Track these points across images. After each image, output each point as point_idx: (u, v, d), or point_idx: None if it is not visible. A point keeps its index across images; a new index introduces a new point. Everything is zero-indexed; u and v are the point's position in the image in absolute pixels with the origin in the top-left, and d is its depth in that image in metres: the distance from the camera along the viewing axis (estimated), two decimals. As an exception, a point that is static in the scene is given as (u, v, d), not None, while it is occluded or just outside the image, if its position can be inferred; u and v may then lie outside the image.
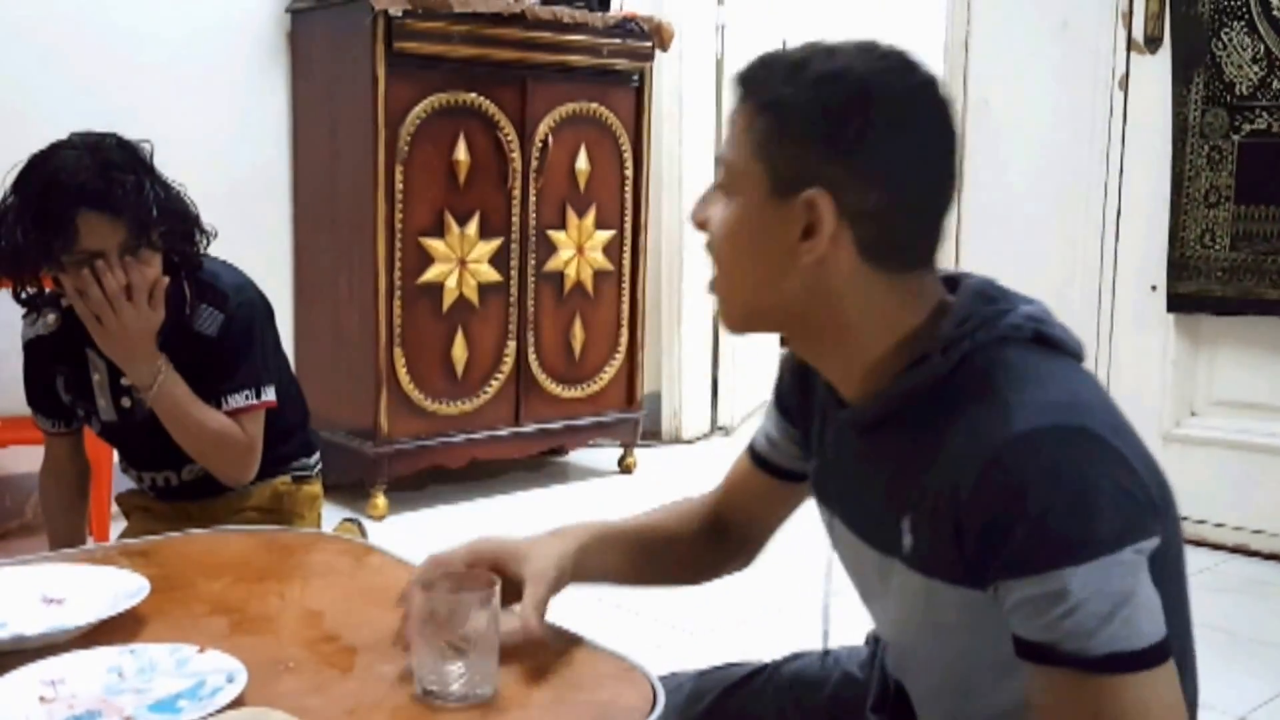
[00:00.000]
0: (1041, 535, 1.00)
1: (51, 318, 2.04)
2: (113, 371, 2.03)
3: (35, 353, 2.09)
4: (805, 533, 1.57)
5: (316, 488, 2.27)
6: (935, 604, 1.12)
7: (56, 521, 2.22)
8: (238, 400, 2.01)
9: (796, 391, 1.36)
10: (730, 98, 1.17)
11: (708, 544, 1.48)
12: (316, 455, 2.31)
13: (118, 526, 2.29)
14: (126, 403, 2.06)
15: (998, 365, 1.09)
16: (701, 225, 1.19)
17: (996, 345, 1.10)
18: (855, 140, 1.08)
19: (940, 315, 1.14)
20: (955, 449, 1.05)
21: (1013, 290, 1.17)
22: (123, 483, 2.33)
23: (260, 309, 2.11)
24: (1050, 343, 1.13)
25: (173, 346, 1.97)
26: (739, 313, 1.20)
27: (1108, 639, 0.99)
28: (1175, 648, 1.08)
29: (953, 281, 1.18)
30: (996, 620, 1.06)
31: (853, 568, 1.30)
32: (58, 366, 2.08)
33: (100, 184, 1.84)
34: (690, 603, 3.14)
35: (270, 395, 2.06)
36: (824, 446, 1.29)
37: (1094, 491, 1.00)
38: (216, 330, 2.00)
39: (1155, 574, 1.04)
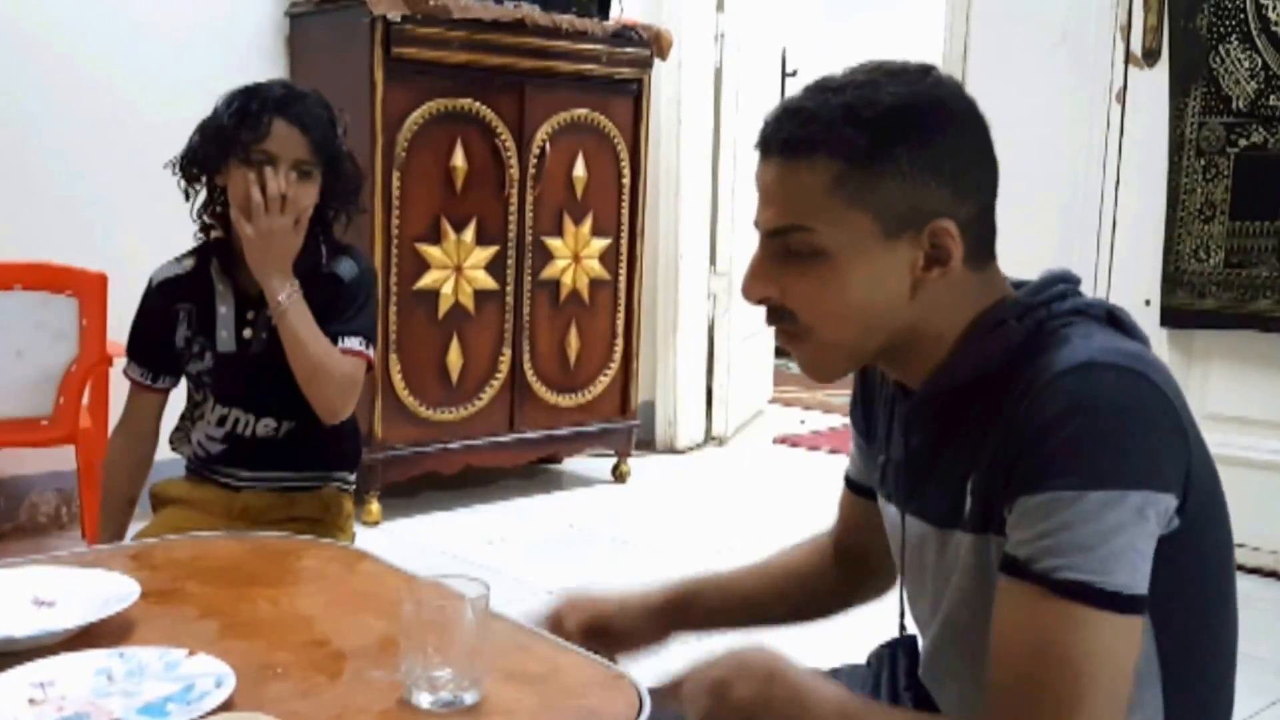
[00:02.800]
0: (1070, 452, 1.02)
1: (189, 262, 2.19)
2: (239, 305, 2.14)
3: (164, 293, 2.18)
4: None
5: (352, 504, 2.31)
6: (989, 563, 1.12)
7: (118, 482, 2.25)
8: (353, 342, 2.13)
9: (862, 409, 1.40)
10: (770, 167, 1.15)
11: (839, 572, 1.53)
12: (356, 472, 2.36)
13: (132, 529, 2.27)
14: (247, 334, 2.14)
15: (1071, 329, 1.12)
16: (765, 300, 1.17)
17: (1069, 315, 1.14)
18: (948, 161, 1.12)
19: (1012, 293, 1.18)
20: (1022, 388, 1.07)
21: None
22: (158, 474, 2.30)
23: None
24: (1121, 326, 1.16)
25: (305, 286, 2.09)
26: (842, 364, 1.21)
27: (1079, 566, 1.00)
28: (1222, 642, 1.18)
29: (1019, 285, 1.23)
30: None
31: (914, 559, 1.29)
32: (183, 304, 2.18)
33: (297, 102, 2.09)
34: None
35: (373, 354, 2.18)
36: (889, 445, 1.31)
37: (1133, 427, 1.03)
38: (350, 276, 2.17)
39: (1196, 560, 1.11)
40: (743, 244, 5.03)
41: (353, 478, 2.32)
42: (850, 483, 1.50)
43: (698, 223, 4.95)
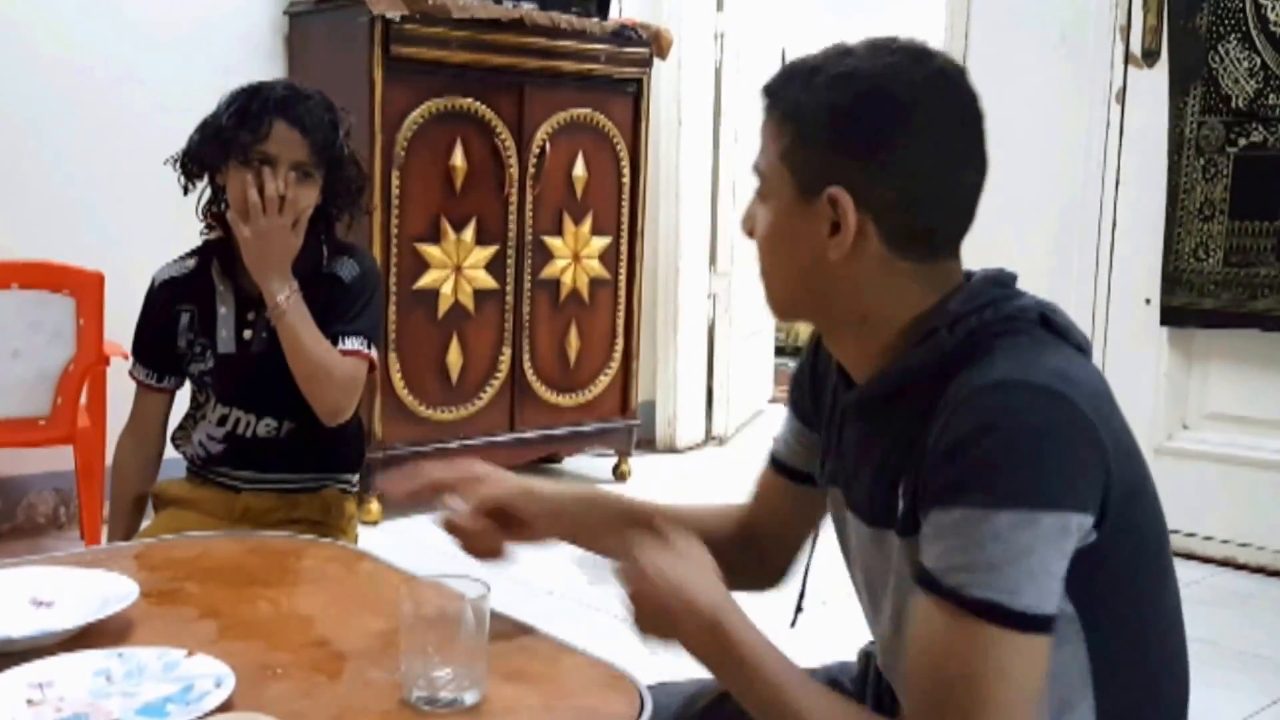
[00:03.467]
0: (983, 470, 1.03)
1: (191, 262, 2.19)
2: (240, 306, 2.15)
3: (165, 293, 2.19)
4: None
5: (355, 506, 2.31)
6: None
7: (126, 483, 2.25)
8: (353, 343, 2.12)
9: (810, 395, 1.40)
10: (760, 110, 1.22)
11: (735, 548, 1.44)
12: (359, 474, 2.35)
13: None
14: (248, 334, 2.15)
15: (1001, 339, 1.12)
16: (750, 231, 1.25)
17: (1002, 323, 1.14)
18: (867, 138, 1.13)
19: (951, 297, 1.18)
20: (943, 405, 1.09)
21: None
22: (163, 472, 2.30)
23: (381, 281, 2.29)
24: (1055, 329, 1.16)
25: (306, 287, 2.09)
26: (778, 305, 1.27)
27: (988, 585, 1.01)
28: (1161, 639, 1.14)
29: (970, 276, 1.22)
30: None
31: (857, 557, 1.30)
32: (184, 304, 2.18)
33: (299, 103, 2.09)
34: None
35: (375, 355, 2.17)
36: (834, 439, 1.31)
37: (1047, 447, 1.03)
38: (350, 277, 2.17)
39: (1125, 561, 1.09)
40: (743, 244, 5.02)
41: (355, 479, 2.31)
42: (776, 462, 1.47)
43: (698, 223, 4.94)
